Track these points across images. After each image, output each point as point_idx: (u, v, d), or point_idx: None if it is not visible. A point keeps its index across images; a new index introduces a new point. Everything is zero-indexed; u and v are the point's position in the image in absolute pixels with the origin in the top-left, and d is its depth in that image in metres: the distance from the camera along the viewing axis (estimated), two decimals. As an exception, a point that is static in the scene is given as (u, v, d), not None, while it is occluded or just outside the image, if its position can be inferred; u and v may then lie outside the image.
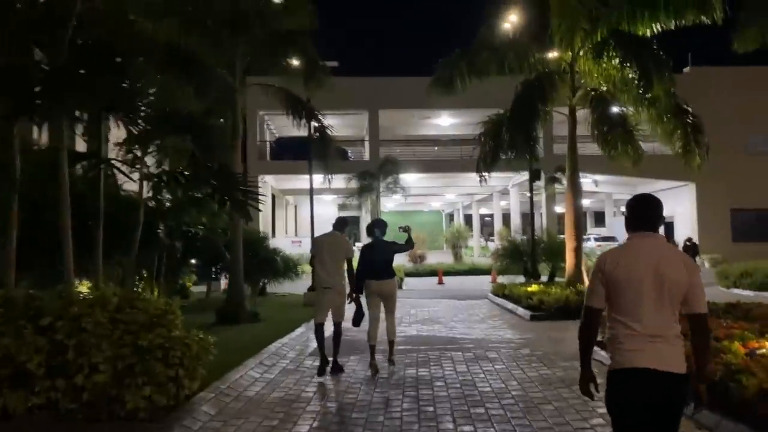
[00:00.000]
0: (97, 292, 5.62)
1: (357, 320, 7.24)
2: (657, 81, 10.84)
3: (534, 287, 13.24)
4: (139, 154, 6.33)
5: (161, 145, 6.80)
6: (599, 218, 54.55)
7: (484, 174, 14.17)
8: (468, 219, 52.07)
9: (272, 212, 34.56)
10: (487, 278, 24.68)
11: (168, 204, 13.30)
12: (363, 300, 7.23)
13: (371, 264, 7.16)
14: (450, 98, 31.83)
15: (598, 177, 30.84)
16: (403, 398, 6.01)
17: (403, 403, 5.82)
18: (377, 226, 7.44)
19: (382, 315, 7.31)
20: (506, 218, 46.77)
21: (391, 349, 7.48)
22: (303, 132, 15.04)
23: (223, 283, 16.98)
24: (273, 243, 32.31)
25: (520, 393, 6.07)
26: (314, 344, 9.21)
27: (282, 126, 35.01)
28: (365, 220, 37.59)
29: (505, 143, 12.17)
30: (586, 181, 27.50)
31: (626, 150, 11.88)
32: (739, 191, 30.50)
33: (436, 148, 37.87)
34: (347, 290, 7.18)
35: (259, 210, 9.65)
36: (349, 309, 7.35)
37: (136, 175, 8.17)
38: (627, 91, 11.81)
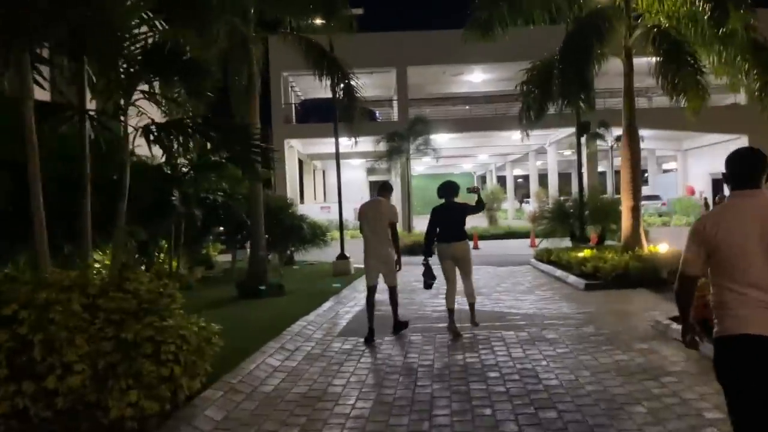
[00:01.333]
0: (76, 273, 4.61)
1: (428, 284, 7.25)
2: (734, 12, 9.28)
3: (586, 252, 11.94)
4: (122, 103, 5.25)
5: (153, 93, 5.67)
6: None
7: (527, 130, 12.79)
8: (501, 180, 50.37)
9: (300, 178, 33.58)
10: (526, 242, 23.40)
11: (185, 169, 12.37)
12: (434, 264, 7.15)
13: (444, 227, 7.06)
14: (483, 52, 30.01)
15: (644, 132, 28.88)
16: (452, 395, 4.91)
17: (452, 403, 4.73)
18: (449, 187, 7.27)
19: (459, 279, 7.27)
20: (542, 179, 45.10)
21: (473, 311, 7.33)
22: (329, 93, 13.84)
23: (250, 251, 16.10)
24: (301, 209, 31.47)
25: (597, 388, 4.90)
26: (343, 322, 8.24)
27: (308, 88, 33.74)
28: (395, 183, 36.35)
29: (554, 91, 10.73)
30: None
31: (697, 94, 10.31)
32: (798, 143, 28.28)
33: (467, 107, 36.15)
34: (395, 257, 6.99)
35: (271, 168, 8.65)
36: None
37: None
38: (695, 26, 10.22)
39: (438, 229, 7.09)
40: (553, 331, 7.06)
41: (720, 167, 2.83)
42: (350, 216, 36.89)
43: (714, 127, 28.24)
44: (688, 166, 35.95)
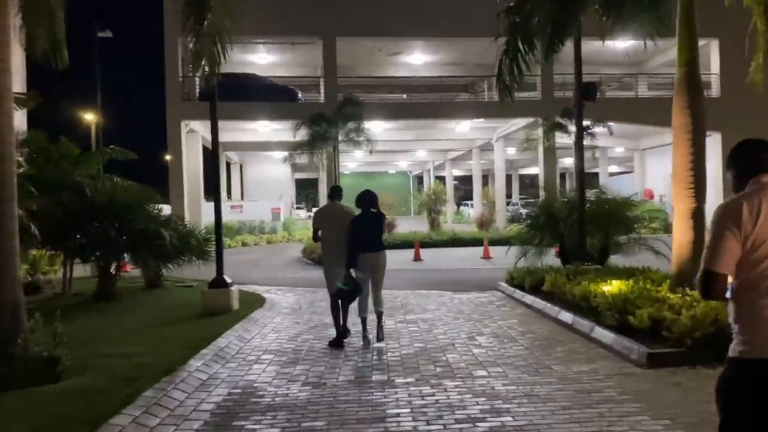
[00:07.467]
0: None
1: (353, 296, 6.80)
2: None
3: (619, 284, 7.21)
4: None
5: None
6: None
7: (513, 84, 8.05)
8: (441, 181, 46.07)
9: (203, 170, 27.55)
10: (476, 251, 18.85)
11: None
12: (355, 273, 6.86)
13: (366, 236, 6.84)
14: (424, 24, 25.21)
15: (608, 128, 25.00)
16: None
17: None
18: (368, 197, 7.04)
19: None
20: (485, 179, 41.08)
21: (381, 322, 6.91)
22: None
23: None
24: (205, 208, 25.71)
25: None
26: None
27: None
28: (323, 181, 31.05)
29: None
30: (602, 130, 21.49)
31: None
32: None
33: (405, 95, 31.29)
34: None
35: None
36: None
37: None
38: None
39: (362, 239, 6.78)
40: None
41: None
42: (266, 216, 31.51)
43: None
44: (646, 167, 32.58)
